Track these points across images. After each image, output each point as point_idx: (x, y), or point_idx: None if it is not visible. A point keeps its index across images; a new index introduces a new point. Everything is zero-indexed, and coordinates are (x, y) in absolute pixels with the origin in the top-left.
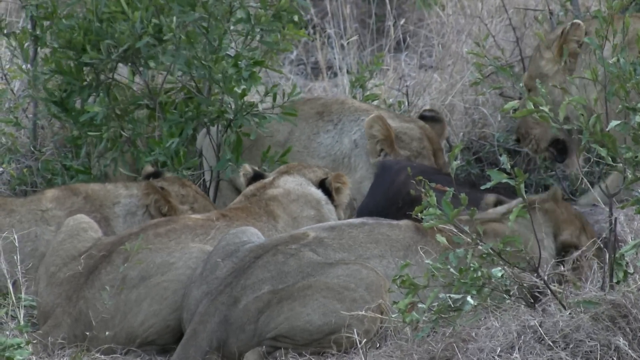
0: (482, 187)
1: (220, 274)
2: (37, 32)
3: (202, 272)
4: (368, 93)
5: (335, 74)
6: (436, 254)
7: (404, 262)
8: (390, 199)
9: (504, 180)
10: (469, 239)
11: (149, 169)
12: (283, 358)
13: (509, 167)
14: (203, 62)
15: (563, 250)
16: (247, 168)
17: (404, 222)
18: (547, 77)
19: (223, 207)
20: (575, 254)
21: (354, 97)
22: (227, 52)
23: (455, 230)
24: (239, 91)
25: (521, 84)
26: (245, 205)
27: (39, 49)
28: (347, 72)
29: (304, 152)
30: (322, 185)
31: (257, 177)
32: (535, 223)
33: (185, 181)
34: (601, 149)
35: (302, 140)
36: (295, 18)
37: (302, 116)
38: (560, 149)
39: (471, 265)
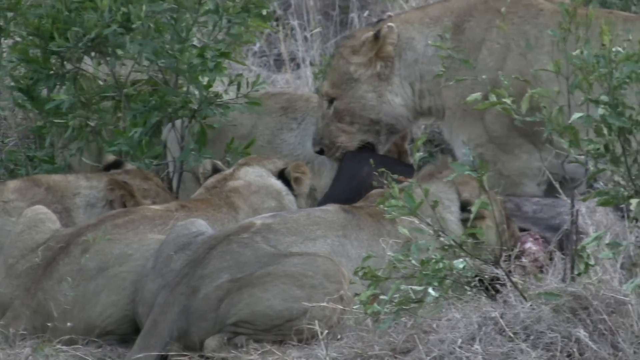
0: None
1: (175, 267)
2: (1, 23)
3: (155, 266)
4: None
5: (299, 66)
6: (370, 231)
7: (343, 240)
8: (353, 190)
9: (467, 172)
10: (431, 231)
11: (110, 158)
12: (243, 344)
13: (472, 158)
14: (170, 51)
15: (464, 209)
16: (207, 166)
17: (330, 206)
18: (358, 82)
19: (186, 199)
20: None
21: (317, 90)
22: (194, 43)
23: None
24: (204, 82)
25: (323, 94)
26: (205, 197)
27: (2, 39)
28: (310, 64)
29: (267, 147)
30: (282, 176)
31: (216, 173)
32: (441, 192)
33: (147, 174)
34: (563, 141)
35: (266, 135)
36: (264, 12)
37: (266, 110)
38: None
39: (433, 257)
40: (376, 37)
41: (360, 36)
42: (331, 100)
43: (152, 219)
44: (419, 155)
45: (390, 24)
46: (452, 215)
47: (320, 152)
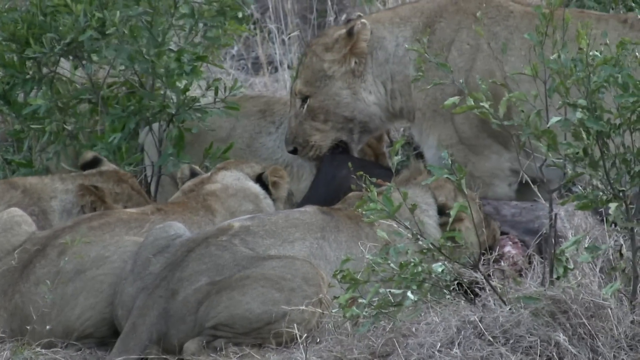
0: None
1: (154, 269)
2: None
3: (134, 269)
4: None
5: (276, 69)
6: (349, 234)
7: (322, 243)
8: (331, 193)
9: (445, 176)
10: (409, 234)
11: (88, 156)
12: (222, 347)
13: (450, 162)
14: (146, 56)
15: (441, 212)
16: (185, 170)
17: (309, 207)
18: (332, 79)
19: (163, 202)
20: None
21: (291, 89)
22: (170, 47)
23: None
24: (181, 86)
25: (295, 93)
26: (182, 200)
27: None
28: (288, 67)
29: (246, 151)
30: (260, 180)
31: (194, 177)
32: (418, 196)
33: (122, 176)
34: (541, 144)
35: (245, 139)
36: (240, 14)
37: (244, 113)
38: (342, 150)
39: (412, 260)
40: (349, 33)
41: (332, 34)
42: (304, 99)
43: (128, 221)
44: (397, 158)
45: (363, 20)
46: (430, 219)
47: (294, 151)
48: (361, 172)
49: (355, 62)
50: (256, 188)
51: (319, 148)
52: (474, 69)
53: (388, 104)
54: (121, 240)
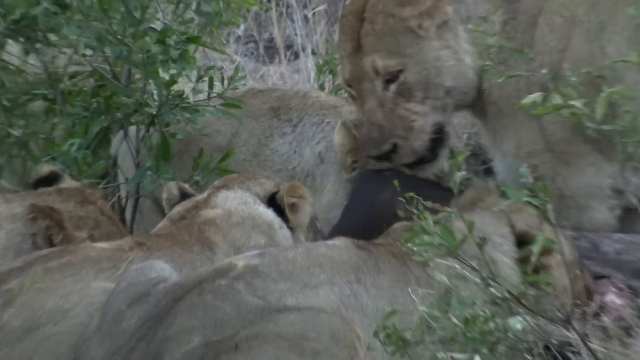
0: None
1: (127, 326)
2: None
3: (102, 325)
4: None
5: (297, 56)
6: (394, 277)
7: (357, 288)
8: (371, 222)
9: (525, 199)
10: (477, 278)
11: (43, 170)
12: None
13: (531, 180)
14: (120, 37)
15: (522, 244)
16: (173, 190)
17: (339, 241)
18: (426, 40)
19: (145, 234)
20: None
21: (322, 87)
22: (152, 25)
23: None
24: (166, 77)
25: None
26: (170, 231)
27: None
28: (313, 52)
29: (252, 162)
30: (273, 202)
31: (186, 199)
32: (489, 225)
33: (88, 195)
34: None
35: (251, 146)
36: None
37: (251, 113)
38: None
39: (480, 313)
40: None
41: None
42: (389, 80)
43: (98, 261)
44: (460, 175)
45: None
46: (505, 256)
47: (383, 157)
48: (411, 194)
49: (448, 10)
50: (269, 214)
51: (421, 140)
52: (570, 49)
53: None
54: (87, 286)
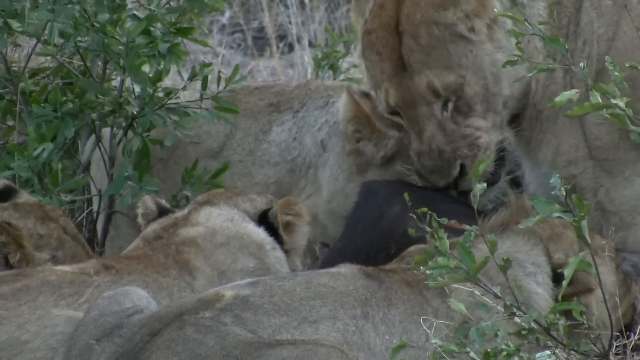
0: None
1: None
2: None
3: None
4: (342, 77)
5: (292, 48)
6: (407, 309)
7: (363, 324)
8: (377, 242)
9: (557, 215)
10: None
11: None
12: None
13: (564, 193)
14: (95, 23)
15: (558, 279)
16: (149, 204)
17: (345, 268)
18: (479, 44)
19: (116, 255)
20: None
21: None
22: (135, 12)
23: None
24: (151, 73)
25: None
26: (144, 252)
27: None
28: (310, 44)
29: (247, 161)
30: (265, 219)
31: (164, 215)
32: (521, 250)
33: (49, 212)
34: None
35: (246, 144)
36: None
37: (248, 111)
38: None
39: (504, 346)
40: None
41: None
42: (447, 100)
43: (58, 285)
44: (480, 187)
45: None
46: (539, 287)
47: (453, 183)
48: (424, 209)
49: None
50: (259, 233)
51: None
52: (619, 37)
53: None
54: (47, 315)
